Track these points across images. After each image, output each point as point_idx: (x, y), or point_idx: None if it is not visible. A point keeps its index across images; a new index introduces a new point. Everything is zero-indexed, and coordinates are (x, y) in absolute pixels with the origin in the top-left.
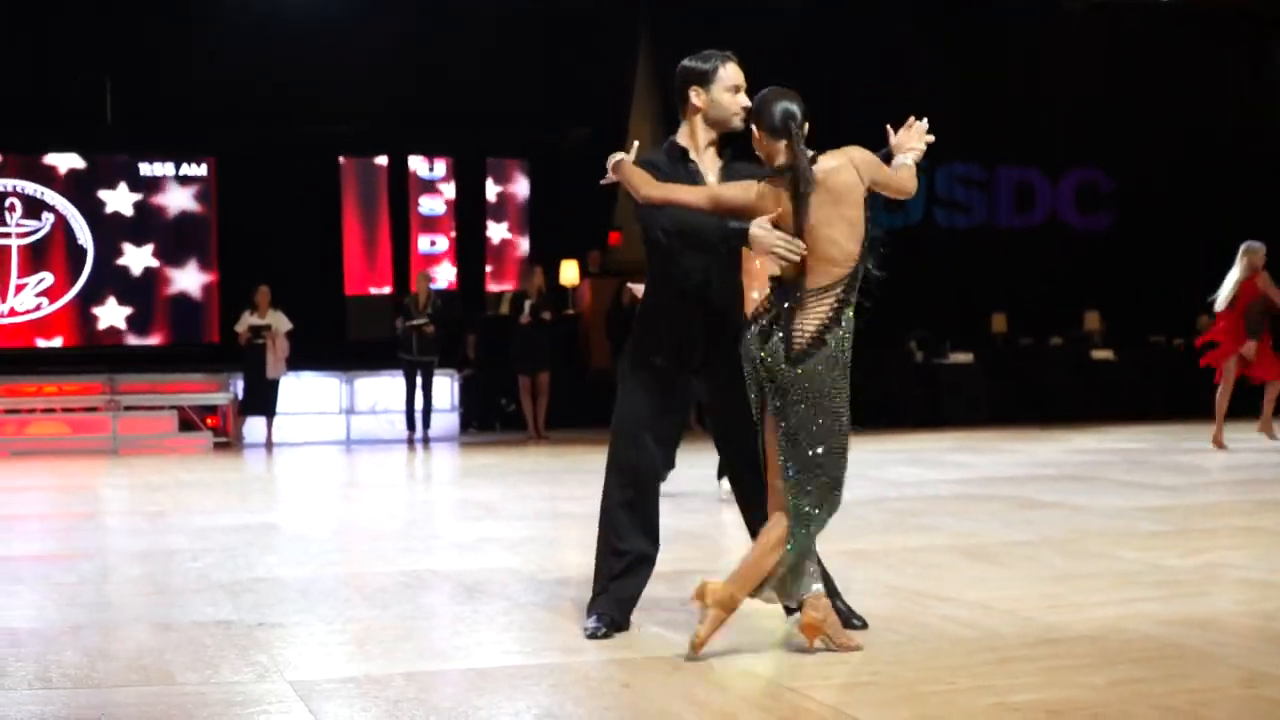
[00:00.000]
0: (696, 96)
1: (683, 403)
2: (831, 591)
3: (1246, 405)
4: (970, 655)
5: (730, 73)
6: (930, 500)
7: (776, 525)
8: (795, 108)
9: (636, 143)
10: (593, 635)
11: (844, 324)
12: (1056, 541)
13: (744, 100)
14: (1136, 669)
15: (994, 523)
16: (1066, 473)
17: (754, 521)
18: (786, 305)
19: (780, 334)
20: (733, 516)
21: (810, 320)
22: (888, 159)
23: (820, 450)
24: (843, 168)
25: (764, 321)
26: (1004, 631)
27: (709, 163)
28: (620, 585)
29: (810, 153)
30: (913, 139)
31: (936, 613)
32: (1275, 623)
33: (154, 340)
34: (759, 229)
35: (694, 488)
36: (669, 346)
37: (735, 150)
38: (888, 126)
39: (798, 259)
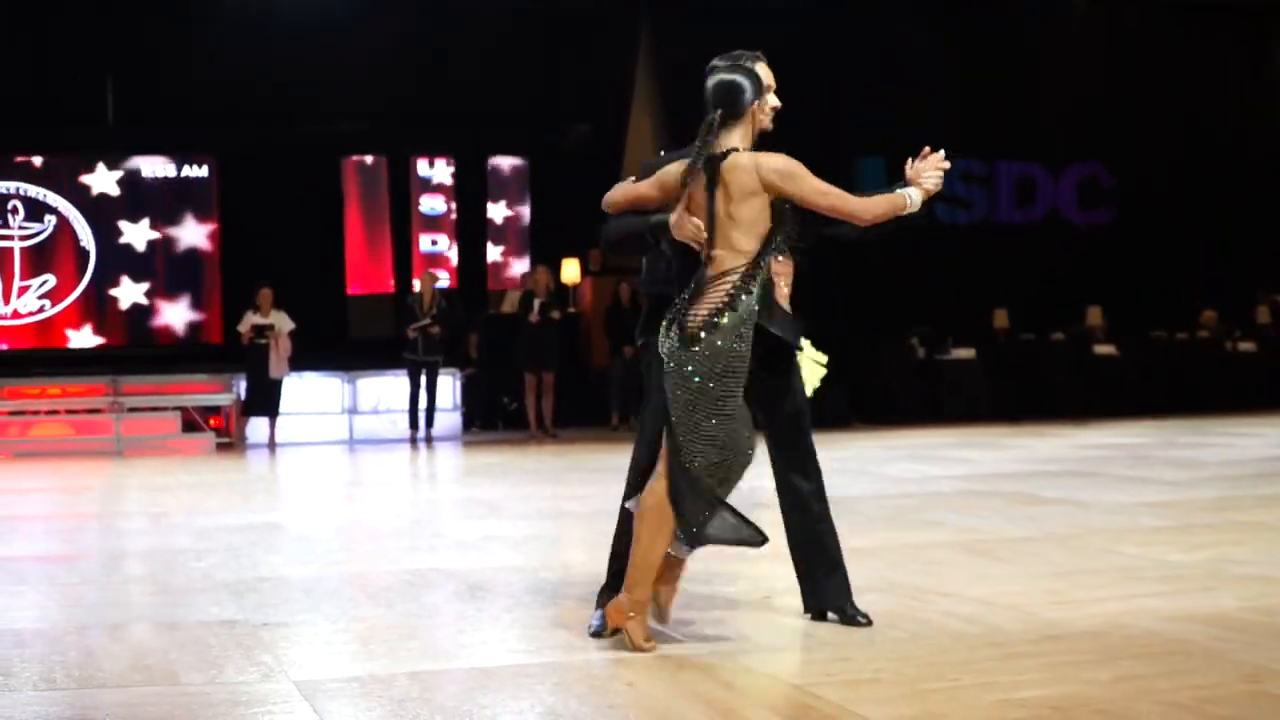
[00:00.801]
0: None
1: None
2: (842, 593)
3: (1245, 399)
4: (974, 651)
5: (761, 72)
6: (932, 496)
7: (651, 514)
8: (734, 82)
9: (662, 153)
10: (596, 633)
11: (740, 309)
12: (1059, 537)
13: (774, 100)
14: (1140, 665)
15: (996, 519)
16: (1069, 468)
17: (793, 524)
18: (687, 295)
19: (678, 323)
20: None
21: (704, 306)
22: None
23: (713, 422)
24: (744, 170)
25: (671, 314)
26: (1007, 628)
27: None
28: None
29: (735, 147)
30: (927, 169)
31: (939, 609)
32: (1278, 618)
33: (159, 336)
34: (673, 216)
35: None
36: None
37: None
38: (910, 160)
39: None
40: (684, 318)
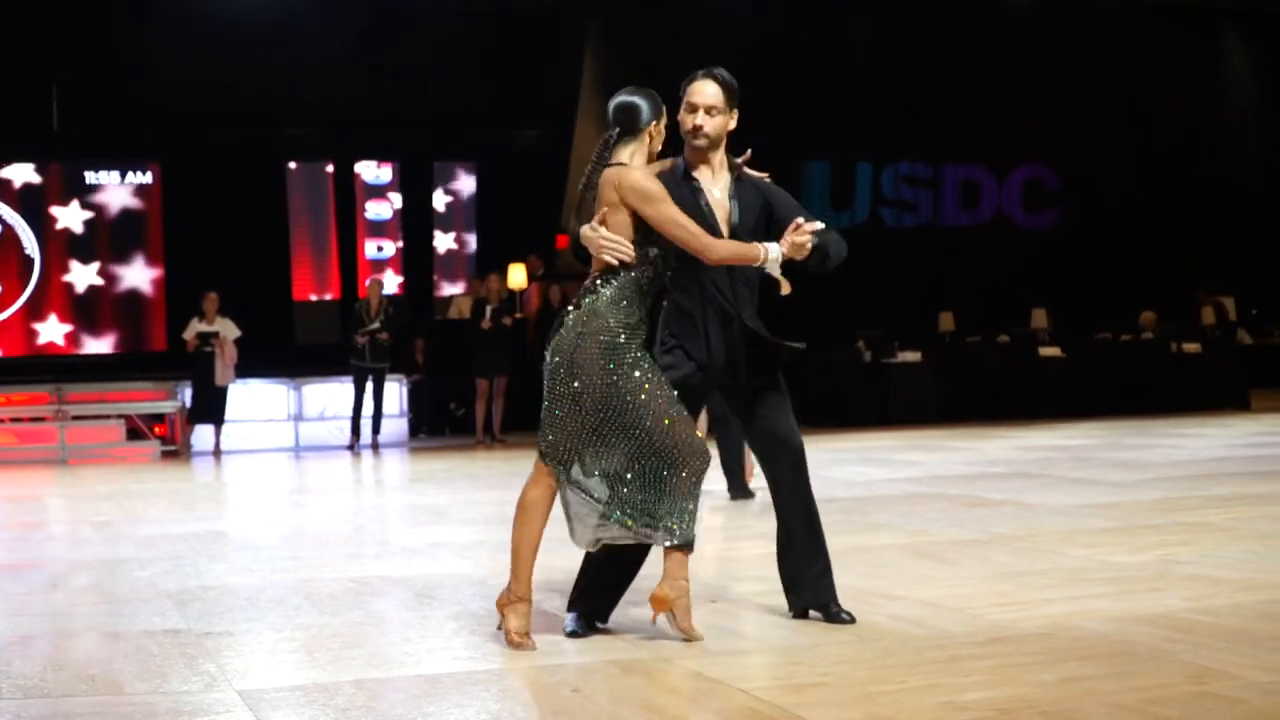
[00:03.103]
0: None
1: (694, 410)
2: (829, 595)
3: (1190, 400)
4: (920, 654)
5: (690, 89)
6: (879, 499)
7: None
8: (631, 104)
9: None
10: (572, 635)
11: (583, 307)
12: (1005, 539)
13: (696, 119)
14: (1086, 666)
15: (943, 521)
16: (1015, 470)
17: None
18: (578, 301)
19: (574, 326)
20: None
21: (571, 311)
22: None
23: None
24: (608, 183)
25: (568, 319)
26: (953, 630)
27: (710, 179)
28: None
29: (622, 162)
30: (789, 239)
31: (886, 612)
32: (1225, 619)
33: (101, 348)
34: (586, 229)
35: None
36: (693, 356)
37: (739, 167)
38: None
39: (627, 256)
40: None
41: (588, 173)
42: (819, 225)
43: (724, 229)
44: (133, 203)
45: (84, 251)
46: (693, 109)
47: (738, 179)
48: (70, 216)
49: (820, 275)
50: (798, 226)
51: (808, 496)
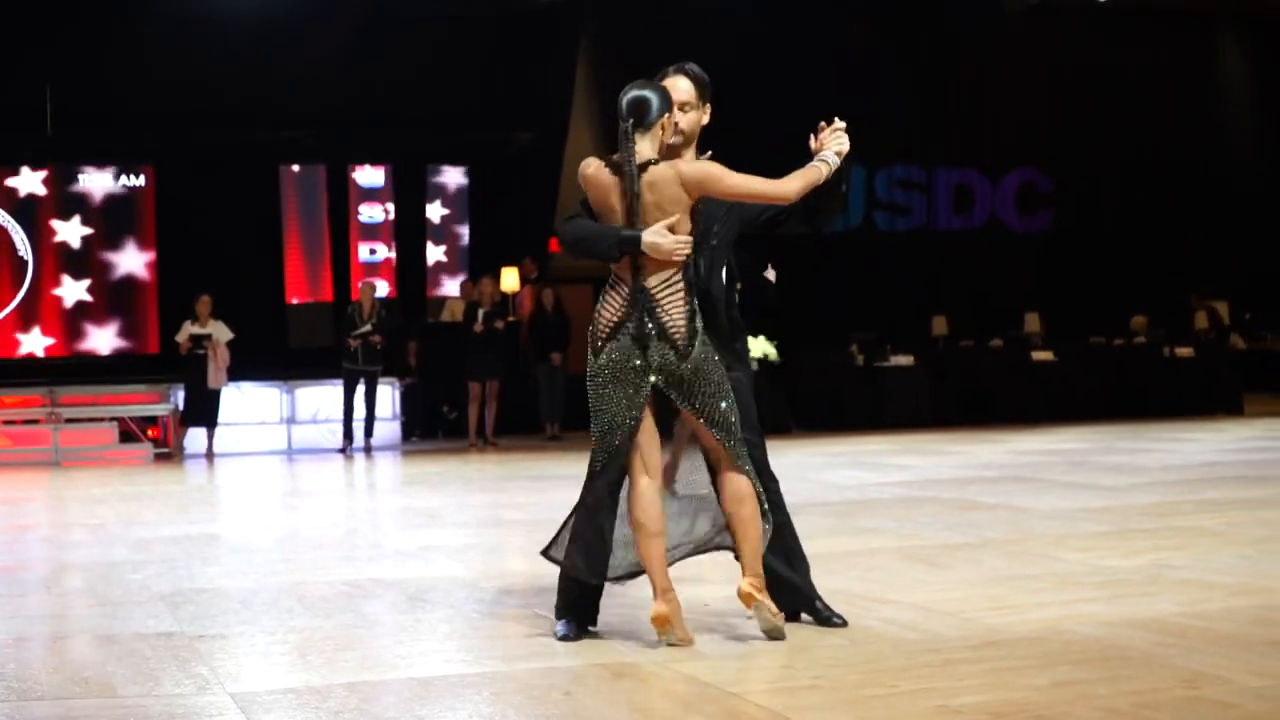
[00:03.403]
0: None
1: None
2: (811, 593)
3: (1183, 405)
4: (912, 658)
5: (669, 86)
6: (872, 503)
7: (743, 502)
8: (643, 97)
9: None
10: (564, 639)
11: (698, 311)
12: (998, 543)
13: (675, 115)
14: (1079, 670)
15: (936, 525)
16: (1008, 474)
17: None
18: (642, 308)
19: (657, 334)
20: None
21: (676, 313)
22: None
23: (734, 418)
24: (667, 180)
25: (631, 329)
26: (946, 634)
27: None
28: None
29: (652, 156)
30: (828, 138)
31: (879, 615)
32: (1217, 623)
33: (94, 350)
34: (656, 236)
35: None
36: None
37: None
38: (811, 136)
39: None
40: (664, 332)
41: (629, 170)
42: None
43: (688, 224)
44: (126, 205)
45: (77, 254)
46: (676, 105)
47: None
48: (63, 218)
49: (822, 224)
50: (824, 126)
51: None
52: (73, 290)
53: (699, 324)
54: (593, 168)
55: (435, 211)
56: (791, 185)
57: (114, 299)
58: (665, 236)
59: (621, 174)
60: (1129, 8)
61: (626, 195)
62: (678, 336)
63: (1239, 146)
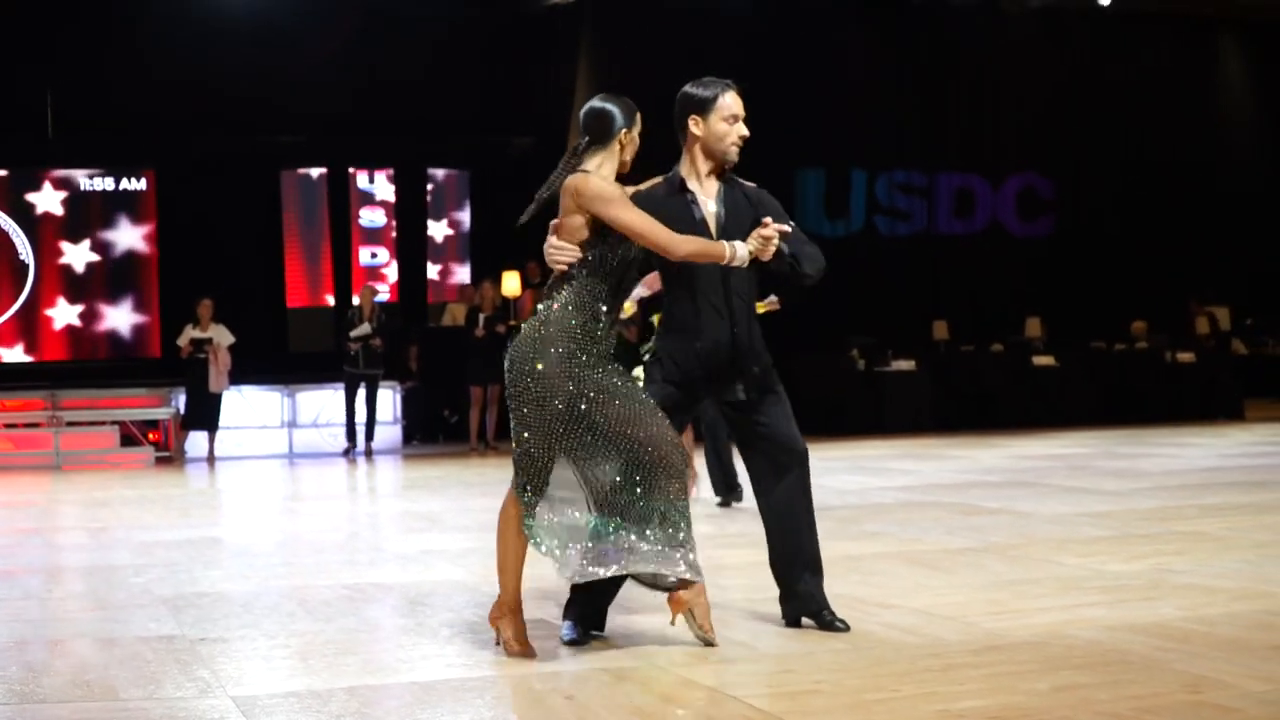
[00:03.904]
0: (695, 125)
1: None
2: (821, 602)
3: (1184, 410)
4: (914, 662)
5: (729, 101)
6: (874, 507)
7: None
8: (602, 109)
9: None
10: (570, 642)
11: (544, 319)
12: (1000, 547)
13: (742, 130)
14: (1080, 675)
15: (937, 529)
16: (1009, 479)
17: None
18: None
19: (529, 334)
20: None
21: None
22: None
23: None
24: (566, 192)
25: (525, 326)
26: (948, 638)
27: (709, 192)
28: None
29: (585, 169)
30: (755, 236)
31: (880, 620)
32: (1219, 628)
33: (95, 353)
34: (548, 240)
35: None
36: (680, 368)
37: (732, 176)
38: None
39: (573, 260)
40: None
41: (551, 179)
42: (787, 228)
43: (584, 234)
44: (127, 208)
45: (78, 257)
46: (736, 119)
47: (727, 185)
48: (64, 221)
49: (797, 287)
50: (765, 224)
51: (810, 505)
52: (73, 294)
53: (550, 330)
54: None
55: (436, 215)
56: (683, 246)
57: (114, 303)
58: (549, 240)
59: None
60: (1129, 12)
61: (541, 197)
62: (525, 340)
63: (1240, 150)
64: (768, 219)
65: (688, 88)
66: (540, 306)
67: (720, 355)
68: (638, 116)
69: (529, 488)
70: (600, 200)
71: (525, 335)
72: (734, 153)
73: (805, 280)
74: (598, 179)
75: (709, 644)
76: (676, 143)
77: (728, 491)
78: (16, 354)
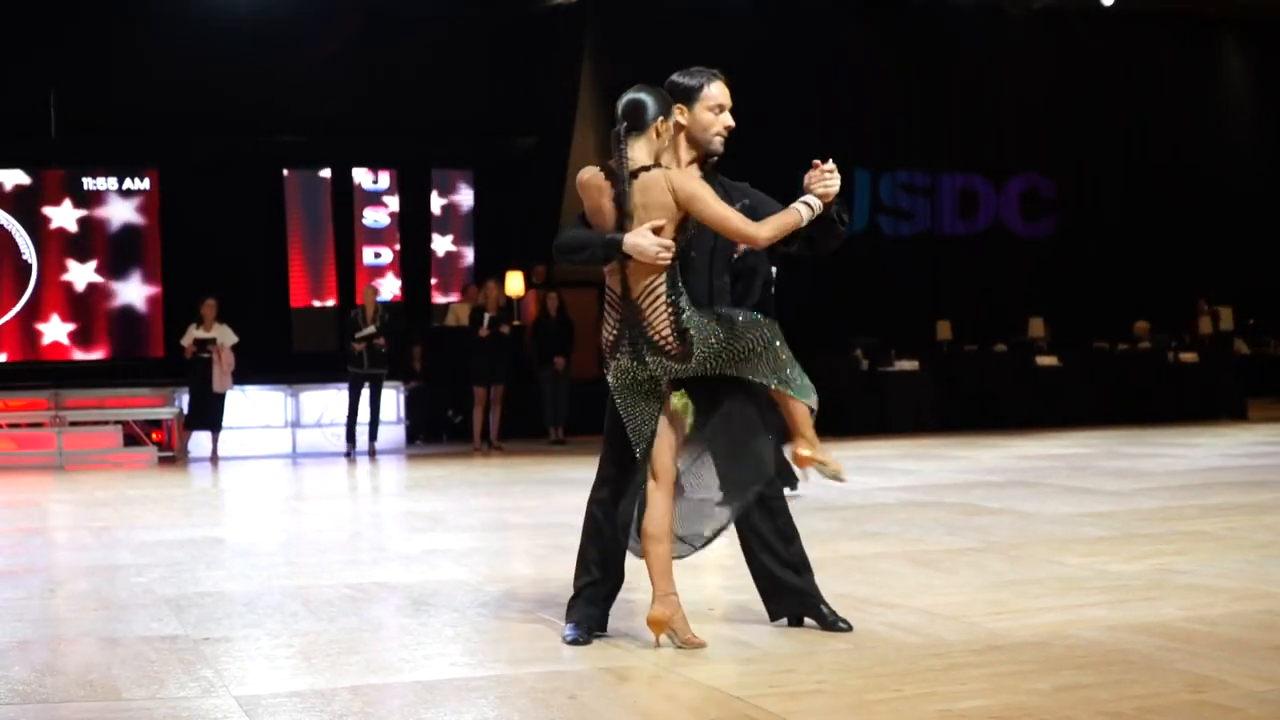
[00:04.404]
0: (680, 114)
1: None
2: (816, 597)
3: (1187, 410)
4: (916, 662)
5: (715, 91)
6: (876, 507)
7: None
8: (638, 100)
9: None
10: (572, 643)
11: (688, 311)
12: (1002, 547)
13: (728, 120)
14: (1082, 675)
15: (940, 529)
16: (1012, 479)
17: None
18: (630, 323)
19: (648, 348)
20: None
21: (660, 323)
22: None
23: (777, 364)
24: (658, 186)
25: (626, 346)
26: (950, 638)
27: None
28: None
29: (646, 161)
30: (815, 179)
31: (883, 620)
32: (1221, 628)
33: (98, 355)
34: (639, 238)
35: None
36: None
37: (717, 167)
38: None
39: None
40: (654, 345)
41: (621, 178)
42: (830, 164)
43: (673, 231)
44: (130, 209)
45: (81, 256)
46: (723, 109)
47: (708, 177)
48: (67, 222)
49: (827, 248)
50: (815, 164)
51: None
52: (75, 292)
53: (691, 322)
54: (588, 173)
55: (439, 215)
56: (763, 231)
57: (119, 302)
58: (648, 238)
59: (614, 178)
60: (1131, 12)
61: (617, 198)
62: (667, 347)
63: (1242, 150)
64: (816, 161)
65: (674, 76)
66: (673, 307)
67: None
68: (672, 107)
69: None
70: (697, 198)
71: (690, 334)
72: (718, 143)
73: (840, 233)
74: (684, 175)
75: (695, 648)
76: None
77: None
78: (17, 353)
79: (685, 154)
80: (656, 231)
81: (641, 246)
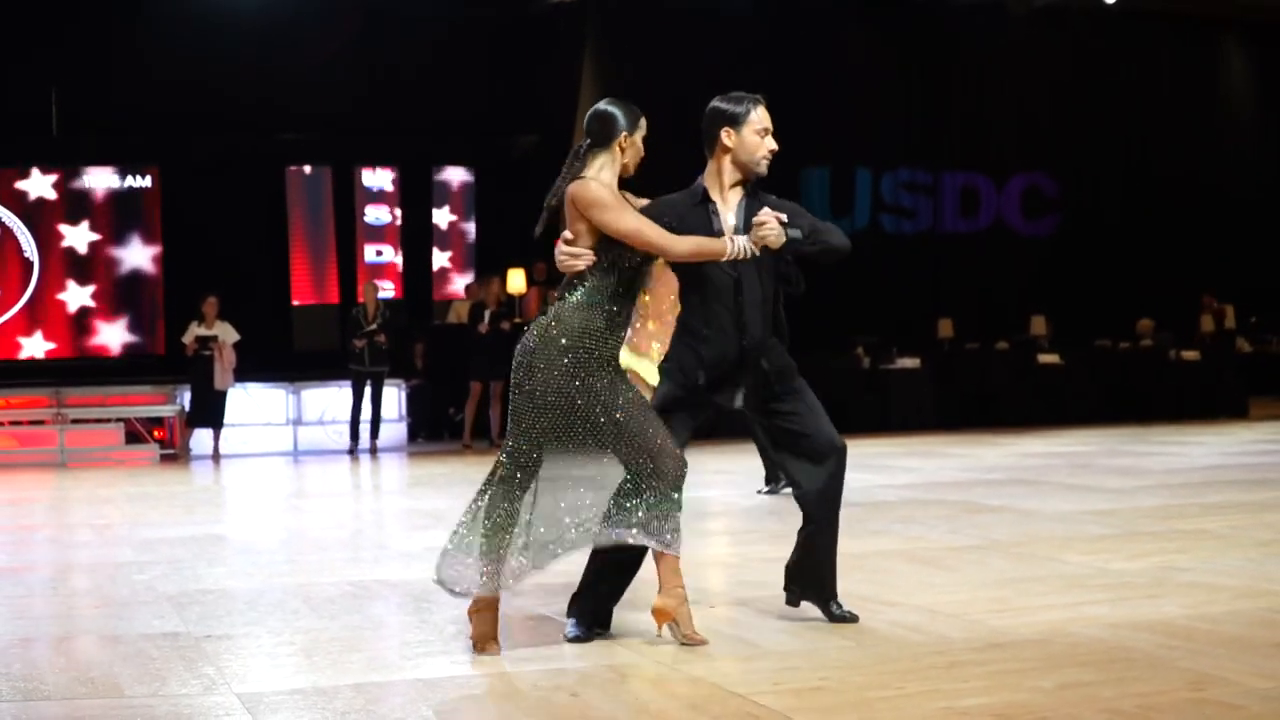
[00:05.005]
0: (728, 138)
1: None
2: (830, 594)
3: (1188, 408)
4: (918, 660)
5: (760, 115)
6: (878, 505)
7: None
8: (604, 112)
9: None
10: (574, 640)
11: (550, 315)
12: (1003, 545)
13: (772, 144)
14: (1084, 672)
15: (941, 527)
16: (1013, 477)
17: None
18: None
19: (539, 331)
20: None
21: (550, 319)
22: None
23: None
24: (567, 197)
25: (536, 323)
26: (952, 636)
27: (730, 203)
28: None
29: (582, 175)
30: (756, 224)
31: (885, 618)
32: (1223, 626)
33: (100, 351)
34: (557, 249)
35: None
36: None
37: (755, 188)
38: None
39: (582, 265)
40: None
41: (555, 186)
42: (783, 215)
43: (589, 239)
44: (132, 206)
45: (83, 256)
46: (767, 132)
47: (750, 197)
48: (69, 220)
49: (833, 261)
50: (762, 221)
51: (839, 497)
52: (78, 293)
53: (539, 324)
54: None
55: (441, 213)
56: (678, 245)
57: (120, 300)
58: (559, 248)
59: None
60: (1133, 11)
61: (547, 204)
62: (533, 334)
63: (1243, 149)
64: (764, 210)
65: (716, 101)
66: (553, 306)
67: (725, 365)
68: (641, 122)
69: (521, 469)
70: (596, 206)
71: (535, 332)
72: (764, 166)
73: (834, 250)
74: (596, 184)
75: (697, 645)
76: (683, 145)
77: (775, 480)
78: (21, 350)
79: (729, 176)
80: (568, 243)
81: (556, 256)
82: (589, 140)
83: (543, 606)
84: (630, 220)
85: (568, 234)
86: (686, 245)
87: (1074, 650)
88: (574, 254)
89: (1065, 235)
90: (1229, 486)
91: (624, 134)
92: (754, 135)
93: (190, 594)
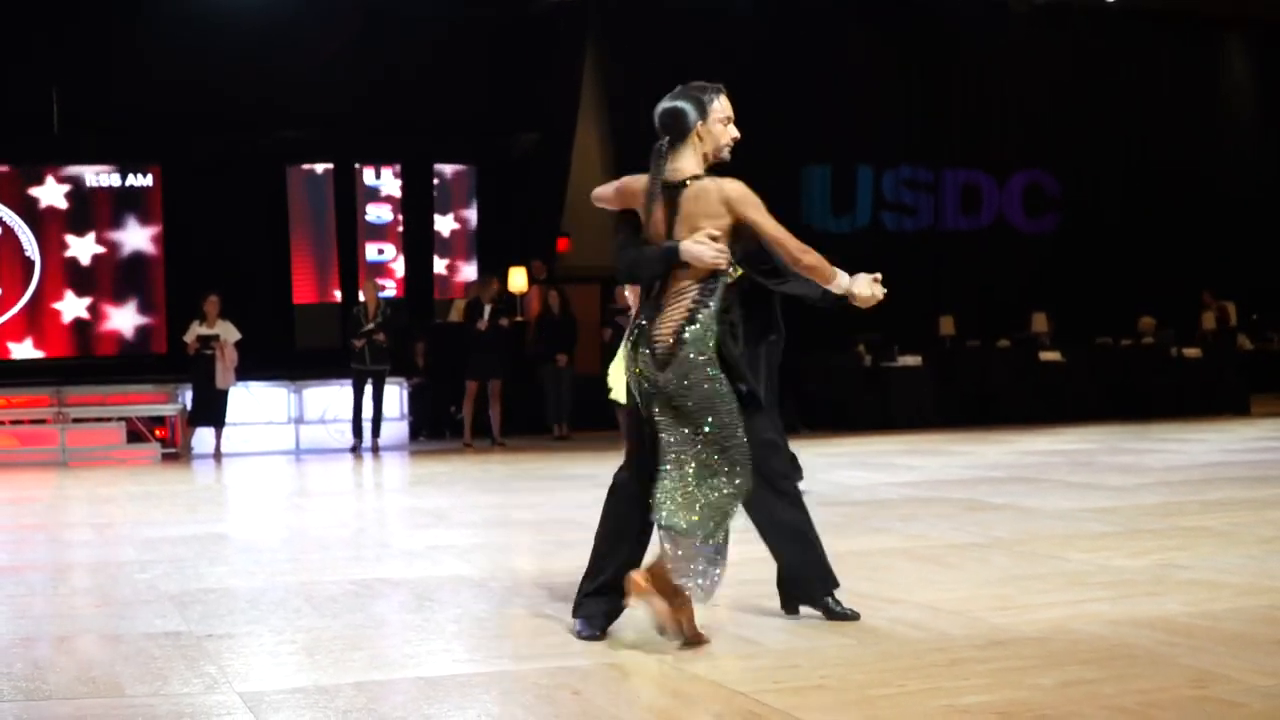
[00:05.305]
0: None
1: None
2: (827, 589)
3: (1189, 405)
4: (920, 657)
5: (723, 104)
6: (879, 503)
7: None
8: (675, 107)
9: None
10: (582, 637)
11: (700, 323)
12: (1005, 543)
13: (734, 131)
14: (1085, 670)
15: (943, 525)
16: (1014, 474)
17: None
18: (645, 319)
19: (644, 344)
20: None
21: (666, 324)
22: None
23: (719, 441)
24: (708, 196)
25: (631, 339)
26: (953, 633)
27: None
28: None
29: (695, 172)
30: (865, 285)
31: (886, 615)
32: (1224, 623)
33: (100, 351)
34: (695, 245)
35: None
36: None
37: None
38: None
39: (726, 264)
40: (650, 340)
41: (650, 186)
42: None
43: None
44: (133, 205)
45: (83, 254)
46: (730, 120)
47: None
48: (69, 219)
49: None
50: (876, 278)
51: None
52: (79, 291)
53: (694, 334)
54: (640, 182)
55: (442, 212)
56: (806, 257)
57: (121, 300)
58: (706, 245)
59: (664, 187)
60: (1135, 10)
61: (665, 209)
62: (658, 342)
63: (1244, 147)
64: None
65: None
66: (691, 313)
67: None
68: (715, 104)
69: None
70: (754, 205)
71: (693, 335)
72: (727, 153)
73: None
74: (740, 184)
75: (701, 644)
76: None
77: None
78: (24, 349)
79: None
80: (714, 239)
81: (697, 253)
82: (667, 137)
83: (544, 605)
84: (775, 222)
85: (714, 230)
86: (811, 259)
87: (1075, 647)
88: (725, 251)
89: (1066, 233)
90: (1230, 484)
91: (698, 123)
92: (718, 124)
93: (192, 593)
